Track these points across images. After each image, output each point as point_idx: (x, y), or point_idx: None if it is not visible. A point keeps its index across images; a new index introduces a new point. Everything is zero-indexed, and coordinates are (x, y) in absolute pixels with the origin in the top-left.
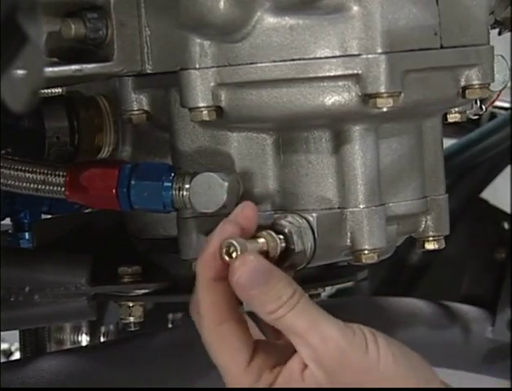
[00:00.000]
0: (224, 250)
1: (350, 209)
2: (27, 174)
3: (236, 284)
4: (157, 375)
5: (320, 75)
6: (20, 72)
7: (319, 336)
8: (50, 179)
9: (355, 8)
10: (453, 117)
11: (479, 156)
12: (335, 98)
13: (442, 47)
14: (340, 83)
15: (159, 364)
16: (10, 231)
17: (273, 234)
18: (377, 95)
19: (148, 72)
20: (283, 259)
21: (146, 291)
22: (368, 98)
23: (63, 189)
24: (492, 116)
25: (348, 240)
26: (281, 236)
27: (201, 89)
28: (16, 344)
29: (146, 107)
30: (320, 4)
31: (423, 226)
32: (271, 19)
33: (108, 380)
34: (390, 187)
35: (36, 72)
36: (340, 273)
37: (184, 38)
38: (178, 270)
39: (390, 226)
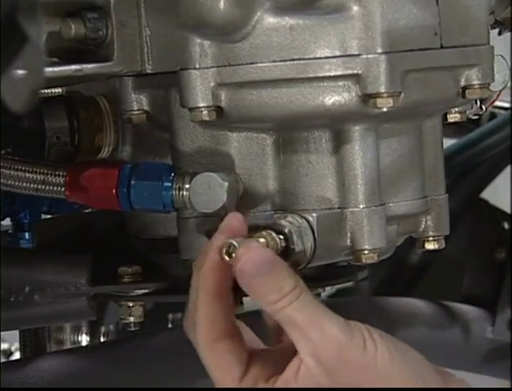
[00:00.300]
0: (224, 250)
1: (350, 209)
2: (27, 174)
3: (240, 271)
4: (157, 375)
5: (320, 75)
6: (20, 72)
7: (319, 331)
8: (50, 179)
9: (355, 8)
10: (453, 117)
11: (479, 156)
12: (335, 98)
13: (442, 47)
14: (340, 83)
15: (159, 364)
16: (10, 231)
17: (273, 234)
18: (377, 95)
19: (148, 72)
20: (283, 259)
21: (146, 291)
22: (368, 98)
23: (63, 189)
24: (492, 116)
25: (348, 240)
26: (281, 236)
27: (201, 89)
28: (16, 344)
29: (146, 107)
30: (320, 4)
31: (423, 226)
32: (271, 19)
33: (108, 379)
34: (390, 187)
35: (36, 72)
36: (340, 273)
37: (184, 38)
38: (178, 270)
39: (390, 226)
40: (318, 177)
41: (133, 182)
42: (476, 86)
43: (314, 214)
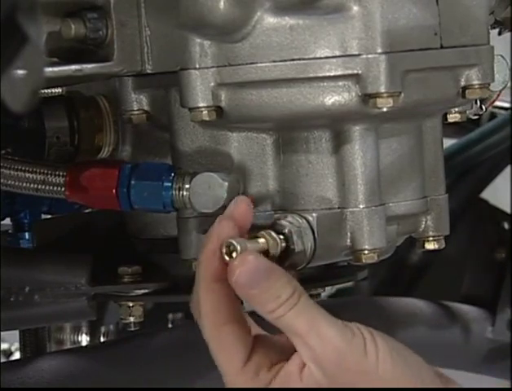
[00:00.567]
0: (224, 250)
1: (350, 209)
2: (27, 174)
3: (235, 284)
4: (157, 375)
5: (320, 75)
6: (20, 72)
7: (317, 337)
8: (50, 179)
9: (355, 8)
10: (453, 117)
11: (479, 156)
12: (335, 98)
13: (442, 47)
14: (340, 83)
15: (159, 364)
16: (10, 231)
17: (273, 234)
18: (377, 95)
19: (148, 72)
20: (283, 259)
21: (146, 291)
22: (368, 98)
23: (63, 189)
24: (492, 116)
25: (348, 240)
26: (281, 236)
27: (201, 89)
28: (16, 344)
29: (146, 107)
30: (320, 4)
31: (423, 226)
32: (271, 19)
33: (108, 379)
34: (390, 187)
35: (36, 72)
36: (340, 273)
37: (184, 38)
38: (178, 270)
39: (390, 226)
40: (318, 177)
41: (133, 182)
42: (476, 86)
43: (314, 214)
